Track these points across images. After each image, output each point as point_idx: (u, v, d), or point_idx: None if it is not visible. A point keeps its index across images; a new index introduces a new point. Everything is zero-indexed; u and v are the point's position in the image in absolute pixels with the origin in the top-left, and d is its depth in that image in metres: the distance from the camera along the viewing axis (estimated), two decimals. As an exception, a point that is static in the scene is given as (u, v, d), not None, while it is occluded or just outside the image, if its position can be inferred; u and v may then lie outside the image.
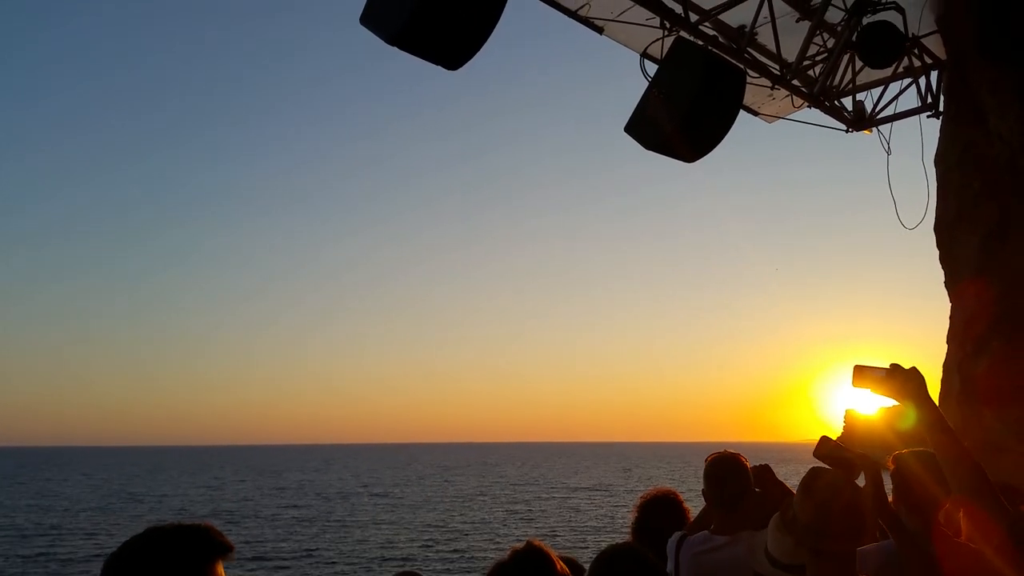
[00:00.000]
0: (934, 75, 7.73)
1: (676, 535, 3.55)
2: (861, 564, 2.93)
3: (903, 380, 2.67)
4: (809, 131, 7.97)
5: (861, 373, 2.80)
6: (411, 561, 30.67)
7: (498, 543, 35.33)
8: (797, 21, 6.74)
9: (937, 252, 7.83)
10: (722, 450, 3.66)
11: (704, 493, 3.58)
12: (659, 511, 3.81)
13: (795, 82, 7.11)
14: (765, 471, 3.66)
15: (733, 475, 3.49)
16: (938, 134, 7.74)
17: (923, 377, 2.72)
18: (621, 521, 39.17)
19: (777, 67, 6.91)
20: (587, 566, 2.70)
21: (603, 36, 6.68)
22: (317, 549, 34.17)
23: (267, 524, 43.89)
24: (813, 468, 2.85)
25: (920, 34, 7.07)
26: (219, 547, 1.82)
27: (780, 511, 2.88)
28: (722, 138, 6.15)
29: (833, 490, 2.56)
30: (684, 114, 5.81)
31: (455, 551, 33.37)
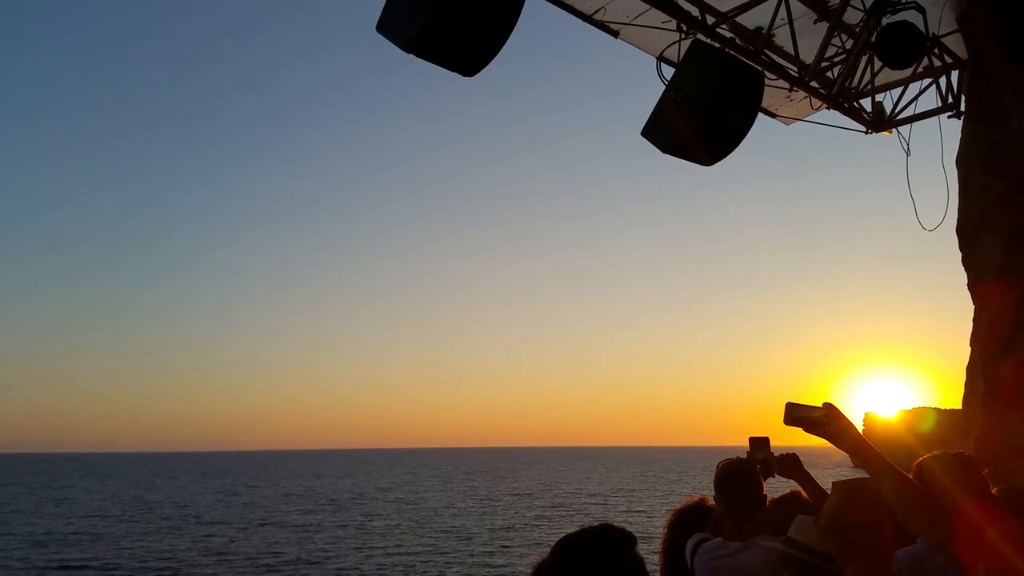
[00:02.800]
0: (955, 75, 7.65)
1: (693, 539, 3.52)
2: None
3: (835, 425, 2.59)
4: (828, 133, 7.91)
5: (793, 411, 2.72)
6: (425, 569, 30.63)
7: (513, 549, 35.27)
8: (815, 22, 6.68)
9: (958, 254, 7.75)
10: (734, 456, 3.62)
11: (715, 500, 3.55)
12: (692, 522, 3.75)
13: (813, 84, 7.06)
14: (793, 461, 3.61)
15: (745, 481, 3.45)
16: (959, 135, 7.66)
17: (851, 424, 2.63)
18: (638, 525, 39.03)
19: (795, 69, 6.86)
20: None
21: (619, 40, 6.65)
22: (330, 556, 34.15)
23: (280, 531, 43.91)
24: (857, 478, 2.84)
25: (940, 33, 6.99)
26: None
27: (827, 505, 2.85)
28: (740, 141, 6.12)
29: (859, 485, 2.58)
30: (702, 117, 5.79)
31: (472, 559, 33.31)
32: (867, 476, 2.63)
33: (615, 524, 2.46)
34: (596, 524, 2.46)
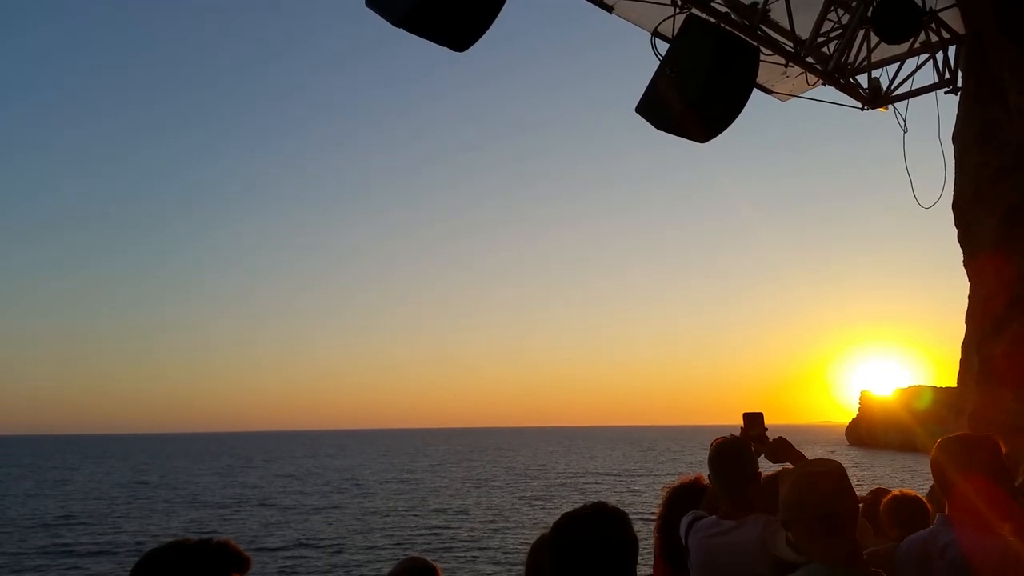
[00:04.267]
0: (952, 50, 7.59)
1: (688, 517, 3.51)
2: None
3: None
4: (824, 109, 7.86)
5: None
6: (422, 548, 30.75)
7: (510, 530, 35.45)
8: (811, -3, 6.63)
9: (954, 231, 7.73)
10: (727, 434, 3.60)
11: (710, 478, 3.52)
12: (687, 500, 3.73)
13: (809, 59, 7.00)
14: (783, 445, 3.60)
15: (739, 459, 3.43)
16: (955, 111, 7.62)
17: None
18: (637, 505, 39.21)
19: (791, 44, 6.80)
20: None
21: (613, 15, 6.58)
22: (327, 537, 34.25)
23: (277, 512, 44.05)
24: (810, 460, 2.84)
25: (938, 8, 6.94)
26: (237, 562, 2.07)
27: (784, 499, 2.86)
28: (735, 117, 6.06)
29: (808, 468, 2.59)
30: (696, 93, 5.73)
31: (468, 538, 33.47)
32: (825, 459, 2.66)
33: (609, 503, 2.48)
34: (592, 502, 2.48)
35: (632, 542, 2.40)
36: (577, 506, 2.48)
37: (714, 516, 3.41)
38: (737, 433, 3.62)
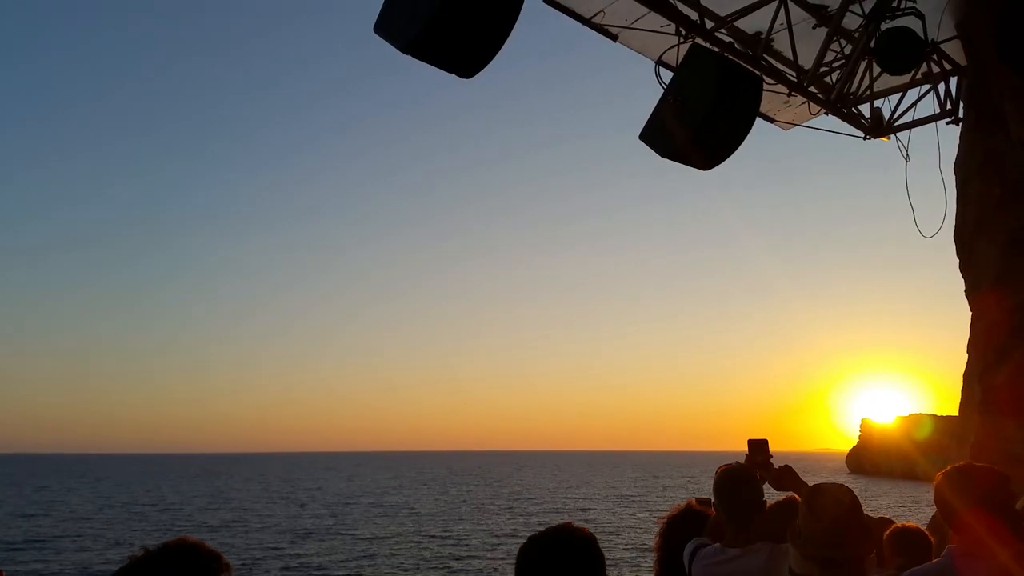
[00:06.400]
0: (953, 81, 7.66)
1: (692, 544, 3.50)
2: None
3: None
4: (826, 138, 7.90)
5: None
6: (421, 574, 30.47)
7: (508, 558, 35.08)
8: (814, 27, 6.70)
9: (956, 260, 7.75)
10: (733, 461, 3.59)
11: (715, 505, 3.51)
12: (686, 528, 3.72)
13: (812, 89, 7.05)
14: (788, 473, 3.59)
15: (744, 487, 3.42)
16: (957, 141, 7.66)
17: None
18: (633, 531, 38.97)
19: (794, 74, 6.86)
20: None
21: (618, 43, 6.65)
22: (322, 563, 33.76)
23: (271, 536, 43.57)
24: (817, 484, 2.82)
25: (939, 39, 6.99)
26: (216, 568, 1.91)
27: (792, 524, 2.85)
28: (738, 146, 6.10)
29: (832, 500, 2.55)
30: (699, 121, 5.77)
31: (466, 567, 33.12)
32: (834, 484, 2.63)
33: (576, 524, 2.45)
34: (556, 524, 2.45)
35: (598, 559, 2.38)
36: (542, 529, 2.46)
37: (718, 544, 3.40)
38: (742, 460, 3.62)
